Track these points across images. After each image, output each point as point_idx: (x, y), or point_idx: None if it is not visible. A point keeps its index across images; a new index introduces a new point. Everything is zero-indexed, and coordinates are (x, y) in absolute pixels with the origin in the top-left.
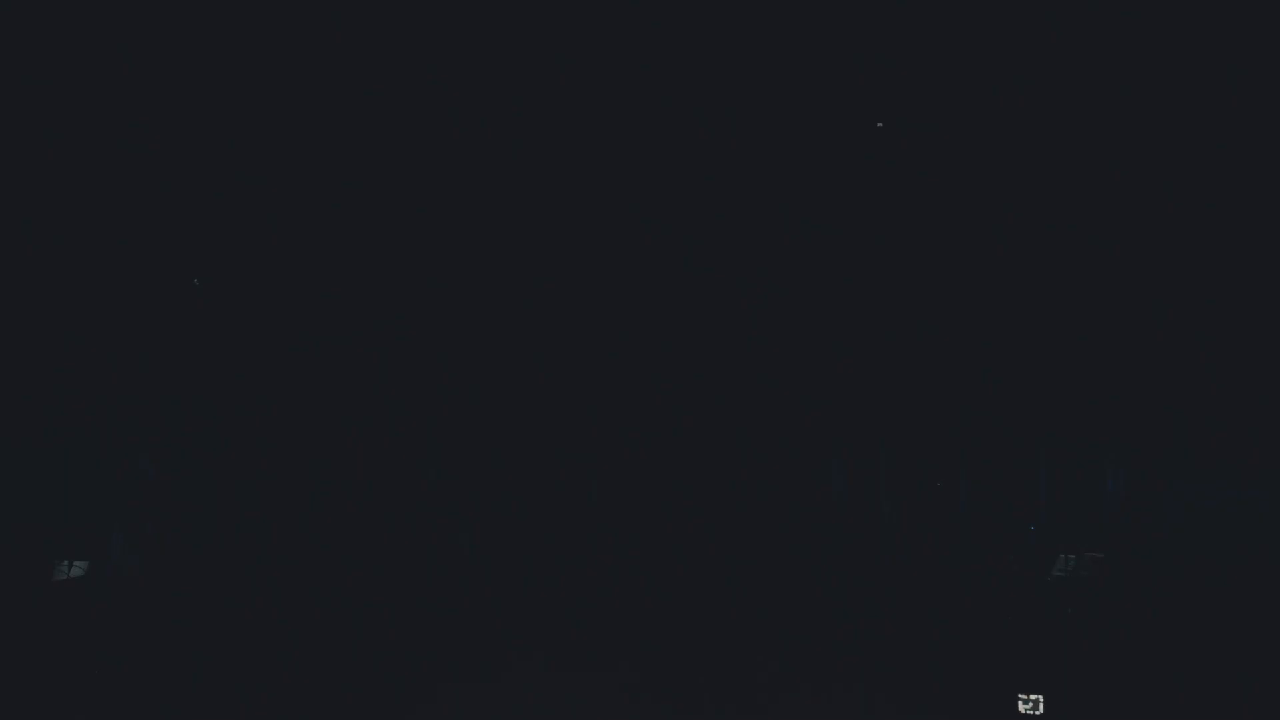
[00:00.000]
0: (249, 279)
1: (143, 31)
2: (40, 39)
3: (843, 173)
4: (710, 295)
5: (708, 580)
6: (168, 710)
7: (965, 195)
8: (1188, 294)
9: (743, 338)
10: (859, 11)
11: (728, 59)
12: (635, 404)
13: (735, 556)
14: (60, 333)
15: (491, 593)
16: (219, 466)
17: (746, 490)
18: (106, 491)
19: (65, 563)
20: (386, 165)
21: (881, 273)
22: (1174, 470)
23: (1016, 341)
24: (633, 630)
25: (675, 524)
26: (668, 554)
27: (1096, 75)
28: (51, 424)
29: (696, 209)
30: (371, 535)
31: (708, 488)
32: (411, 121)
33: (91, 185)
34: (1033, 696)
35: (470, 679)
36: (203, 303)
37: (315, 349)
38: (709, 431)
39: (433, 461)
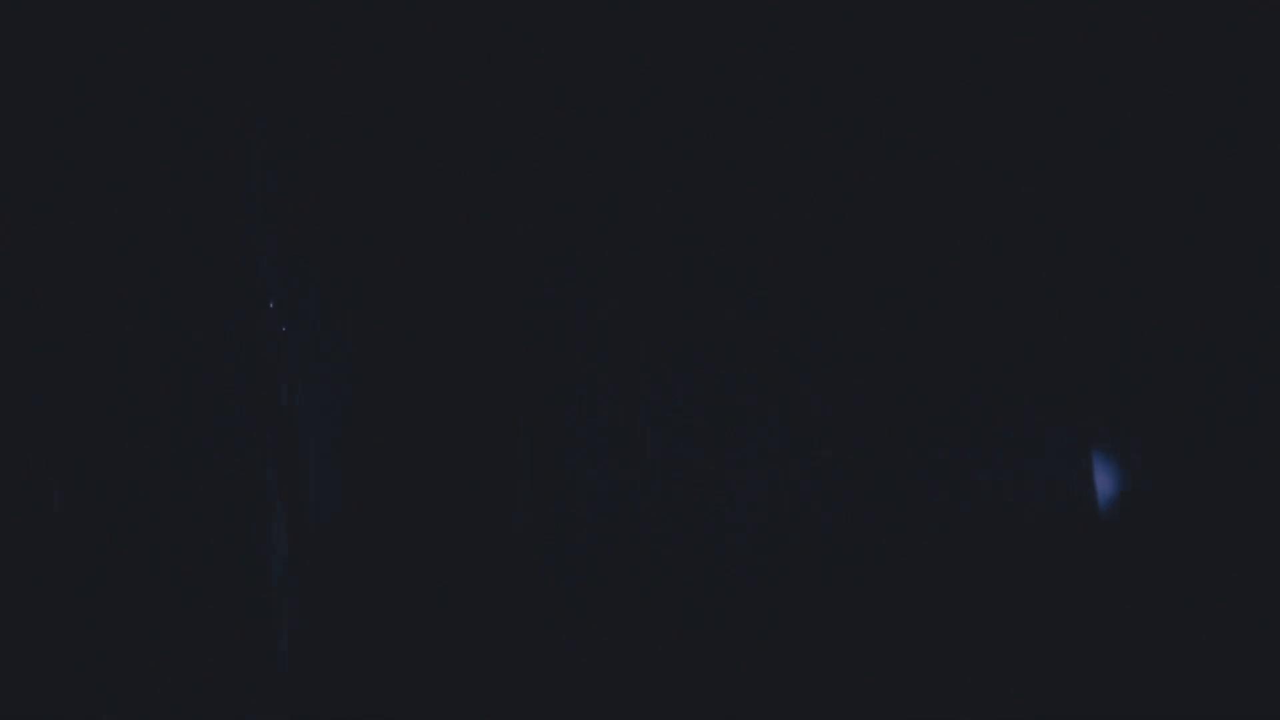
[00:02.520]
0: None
1: (142, 31)
2: (40, 38)
3: (842, 173)
4: (711, 295)
5: (708, 580)
6: (167, 710)
7: (965, 195)
8: (1187, 294)
9: (743, 337)
10: (859, 11)
11: (727, 59)
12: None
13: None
14: (60, 332)
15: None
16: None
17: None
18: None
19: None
20: (386, 165)
21: (881, 272)
22: (1172, 469)
23: (1016, 341)
24: (633, 630)
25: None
26: (668, 554)
27: (1096, 75)
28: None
29: (696, 209)
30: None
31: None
32: (410, 121)
33: (92, 185)
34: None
35: (470, 679)
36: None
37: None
38: (709, 431)
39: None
